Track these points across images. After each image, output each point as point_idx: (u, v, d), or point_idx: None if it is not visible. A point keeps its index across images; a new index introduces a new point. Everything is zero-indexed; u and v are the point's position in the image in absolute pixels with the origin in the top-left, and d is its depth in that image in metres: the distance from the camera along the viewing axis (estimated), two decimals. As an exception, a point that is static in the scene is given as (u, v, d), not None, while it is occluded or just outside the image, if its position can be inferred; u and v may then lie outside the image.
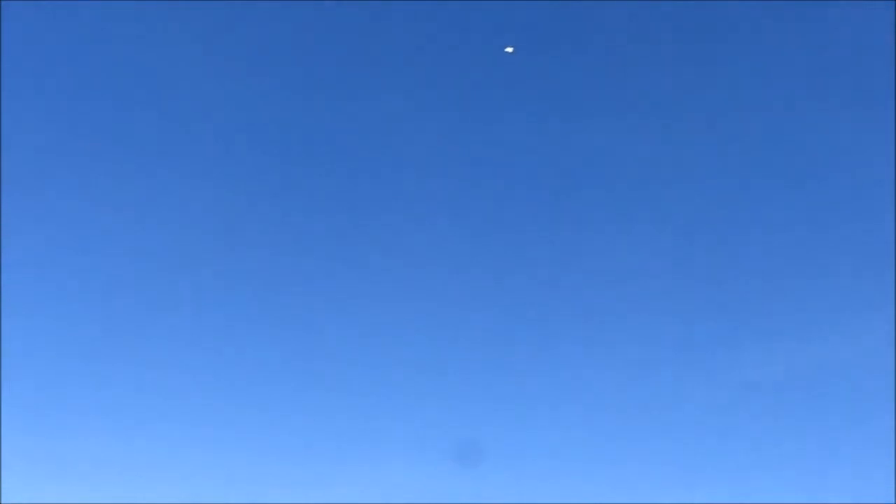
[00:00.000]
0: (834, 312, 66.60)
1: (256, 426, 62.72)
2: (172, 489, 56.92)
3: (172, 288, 68.68)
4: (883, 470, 54.88)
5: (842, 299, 66.99)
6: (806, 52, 74.47)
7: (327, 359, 67.10)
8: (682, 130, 75.16)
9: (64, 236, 69.22)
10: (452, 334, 68.89)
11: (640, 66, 75.86)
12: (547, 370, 66.47)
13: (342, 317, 69.64)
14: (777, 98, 74.50)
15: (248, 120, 75.11)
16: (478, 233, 73.44)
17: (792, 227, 71.47)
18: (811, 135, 73.67)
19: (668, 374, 65.47)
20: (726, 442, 61.97)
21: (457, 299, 70.72)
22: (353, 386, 65.69)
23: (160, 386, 62.92)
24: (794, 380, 64.15)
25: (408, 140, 75.73)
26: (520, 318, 69.81)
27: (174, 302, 68.10)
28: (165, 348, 65.27)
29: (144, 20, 72.37)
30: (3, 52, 65.80)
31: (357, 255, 72.10)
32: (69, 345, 64.22)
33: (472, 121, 76.01)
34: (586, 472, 60.43)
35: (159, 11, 72.33)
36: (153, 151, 72.56)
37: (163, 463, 59.26)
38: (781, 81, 74.15)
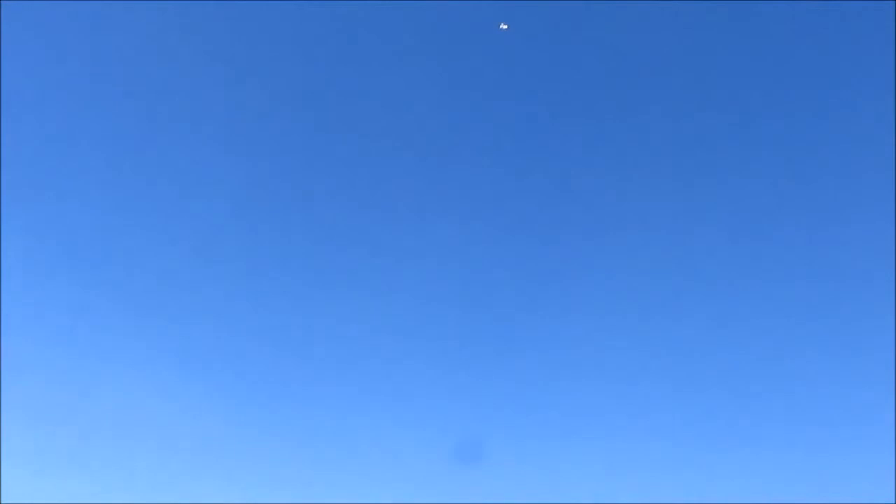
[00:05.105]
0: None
1: (256, 426, 62.94)
2: (172, 489, 57.15)
3: (173, 289, 69.07)
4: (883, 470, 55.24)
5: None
6: (806, 52, 74.73)
7: (327, 359, 67.33)
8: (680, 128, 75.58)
9: (64, 237, 69.36)
10: (453, 335, 69.11)
11: (640, 64, 76.20)
12: (547, 371, 66.75)
13: (342, 316, 69.83)
14: (775, 101, 74.88)
15: (248, 122, 75.43)
16: (482, 234, 73.64)
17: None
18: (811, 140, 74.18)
19: (670, 374, 65.89)
20: (726, 445, 62.27)
21: (458, 300, 71.01)
22: (353, 387, 65.90)
23: (159, 386, 63.16)
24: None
25: (413, 140, 76.11)
26: (520, 319, 70.05)
27: (175, 303, 68.46)
28: (165, 349, 65.62)
29: (145, 20, 72.59)
30: (2, 53, 66.00)
31: (359, 255, 72.22)
32: (69, 345, 64.54)
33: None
34: (586, 471, 60.63)
35: (160, 12, 72.52)
36: (153, 152, 72.89)
37: (163, 463, 59.43)
38: (781, 81, 74.51)
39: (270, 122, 75.61)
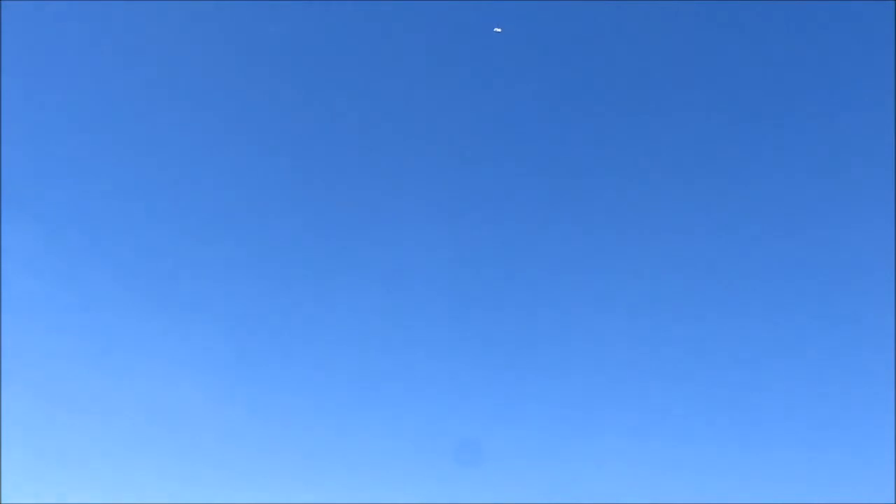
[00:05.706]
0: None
1: (256, 425, 63.01)
2: (172, 488, 57.14)
3: (174, 287, 69.11)
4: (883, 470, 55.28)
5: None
6: (806, 52, 74.76)
7: (327, 358, 67.30)
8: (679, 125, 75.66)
9: (64, 235, 69.36)
10: (453, 334, 69.14)
11: (642, 68, 76.24)
12: (547, 371, 66.76)
13: (342, 315, 69.85)
14: (775, 99, 74.87)
15: (247, 120, 75.45)
16: (483, 233, 73.66)
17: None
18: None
19: (670, 374, 65.93)
20: (726, 442, 62.33)
21: (457, 299, 71.00)
22: (353, 386, 65.94)
23: (159, 385, 63.22)
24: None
25: (417, 137, 76.18)
26: (521, 319, 70.10)
27: (175, 300, 68.51)
28: (165, 347, 65.63)
29: (144, 20, 72.64)
30: (2, 52, 66.06)
31: (359, 254, 72.29)
32: (70, 344, 64.54)
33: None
34: (587, 471, 60.64)
35: (160, 12, 72.59)
36: (159, 148, 73.02)
37: (162, 462, 59.44)
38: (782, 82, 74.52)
39: (275, 118, 75.93)
